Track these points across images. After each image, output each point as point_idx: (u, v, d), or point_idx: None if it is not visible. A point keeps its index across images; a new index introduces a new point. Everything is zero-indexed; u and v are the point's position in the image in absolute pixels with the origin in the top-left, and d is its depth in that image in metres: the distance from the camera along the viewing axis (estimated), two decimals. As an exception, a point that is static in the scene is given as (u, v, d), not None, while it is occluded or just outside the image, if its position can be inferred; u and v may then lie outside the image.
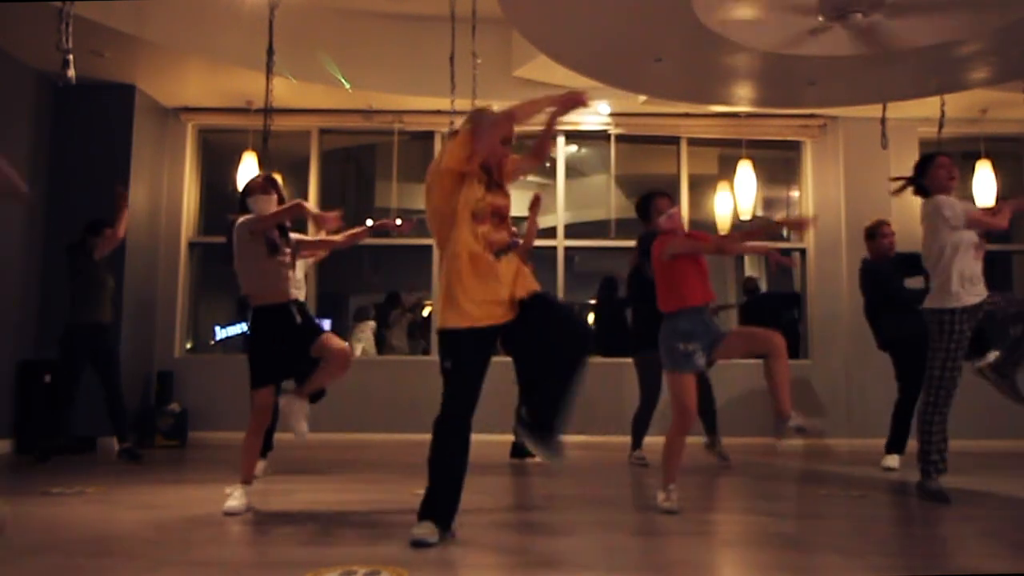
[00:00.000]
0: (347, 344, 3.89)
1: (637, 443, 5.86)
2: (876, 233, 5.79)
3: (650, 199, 4.13)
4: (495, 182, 3.39)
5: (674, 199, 4.22)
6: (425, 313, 9.31)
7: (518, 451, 5.98)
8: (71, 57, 4.41)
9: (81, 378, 5.87)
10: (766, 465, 5.92)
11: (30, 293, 6.78)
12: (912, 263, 5.70)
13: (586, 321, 3.16)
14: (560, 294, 8.00)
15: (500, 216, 3.33)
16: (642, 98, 7.30)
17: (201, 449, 6.93)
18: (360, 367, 7.89)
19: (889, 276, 5.70)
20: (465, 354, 3.17)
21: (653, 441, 5.94)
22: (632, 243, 6.23)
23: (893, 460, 5.64)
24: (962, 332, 4.14)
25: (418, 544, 2.98)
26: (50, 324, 6.70)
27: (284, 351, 3.87)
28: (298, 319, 3.91)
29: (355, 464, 5.92)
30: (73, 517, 3.68)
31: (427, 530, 3.04)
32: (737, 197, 7.88)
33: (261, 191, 4.03)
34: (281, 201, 4.06)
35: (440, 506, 3.11)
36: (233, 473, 4.53)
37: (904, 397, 5.62)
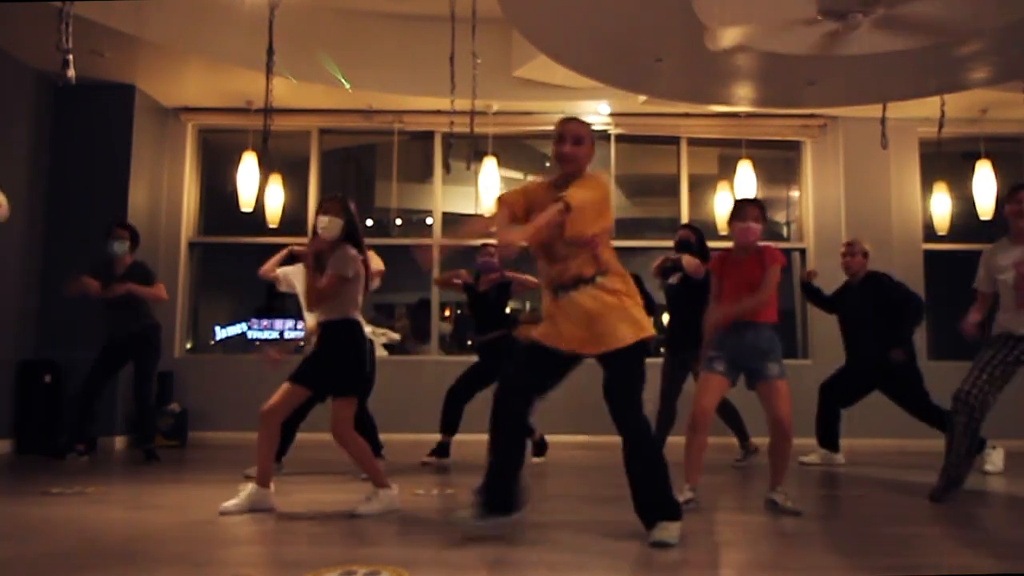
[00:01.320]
0: (343, 424, 3.88)
1: None
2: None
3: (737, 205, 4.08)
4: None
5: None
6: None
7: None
8: (71, 57, 4.41)
9: (98, 383, 5.87)
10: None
11: (30, 293, 6.78)
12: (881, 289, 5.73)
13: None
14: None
15: (549, 251, 3.15)
16: (642, 98, 7.30)
17: (201, 449, 6.94)
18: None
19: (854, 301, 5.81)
20: (530, 346, 3.19)
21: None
22: (632, 243, 6.20)
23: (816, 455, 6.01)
24: None
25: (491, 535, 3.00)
26: (50, 324, 6.71)
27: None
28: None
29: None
30: (73, 517, 3.67)
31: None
32: (737, 197, 7.86)
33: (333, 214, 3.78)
34: (351, 223, 3.79)
35: (492, 491, 3.15)
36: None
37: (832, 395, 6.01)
